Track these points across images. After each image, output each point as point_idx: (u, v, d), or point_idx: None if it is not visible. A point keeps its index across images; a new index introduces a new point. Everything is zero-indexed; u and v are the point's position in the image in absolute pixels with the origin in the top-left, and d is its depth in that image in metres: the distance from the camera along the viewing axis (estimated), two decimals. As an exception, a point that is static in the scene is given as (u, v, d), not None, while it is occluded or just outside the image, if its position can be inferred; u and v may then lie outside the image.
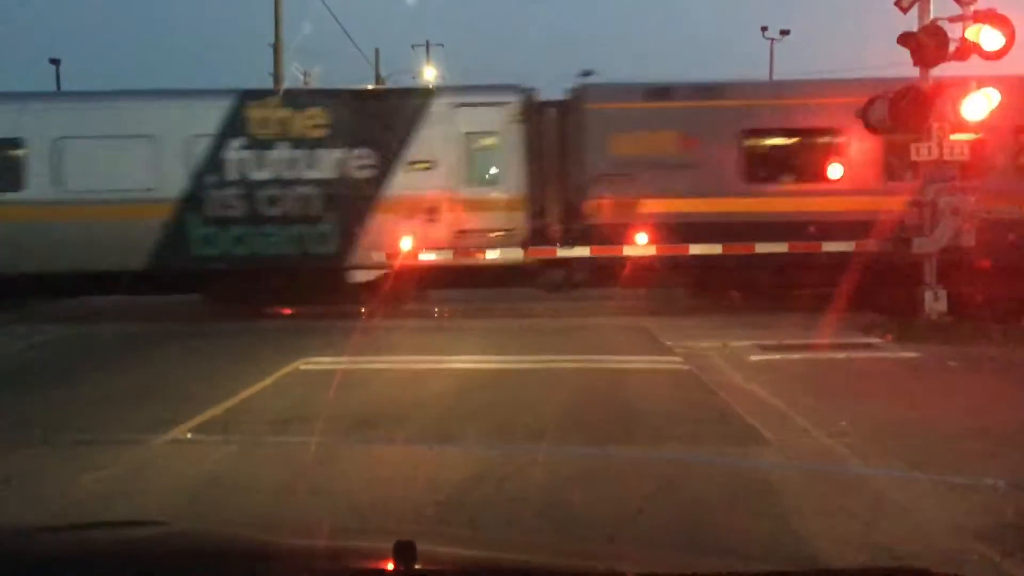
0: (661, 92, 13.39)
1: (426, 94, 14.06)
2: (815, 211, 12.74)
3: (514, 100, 13.63)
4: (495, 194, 13.57)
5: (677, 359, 9.31)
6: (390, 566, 1.87)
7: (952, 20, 10.81)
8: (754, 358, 9.27)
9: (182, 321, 13.63)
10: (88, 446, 6.17)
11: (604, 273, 13.39)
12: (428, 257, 13.04)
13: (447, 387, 7.92)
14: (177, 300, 15.00)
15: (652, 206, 12.94)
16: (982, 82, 10.84)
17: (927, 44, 10.78)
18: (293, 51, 24.97)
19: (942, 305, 11.21)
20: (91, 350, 10.86)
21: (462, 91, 14.11)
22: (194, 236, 13.47)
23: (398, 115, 13.66)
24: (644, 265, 12.94)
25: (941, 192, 11.35)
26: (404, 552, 1.86)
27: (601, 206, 13.15)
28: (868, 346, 10.08)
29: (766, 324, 11.34)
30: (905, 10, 11.12)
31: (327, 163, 13.51)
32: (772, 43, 37.18)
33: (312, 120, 13.55)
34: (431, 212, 13.34)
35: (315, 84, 28.09)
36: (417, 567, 1.85)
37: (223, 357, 9.94)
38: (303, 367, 8.98)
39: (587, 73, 13.83)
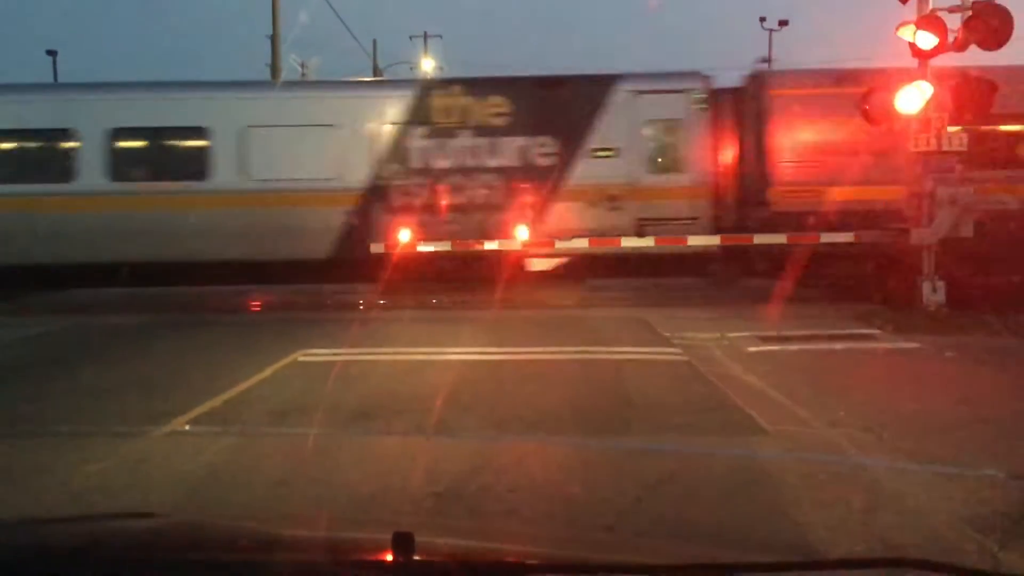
0: (848, 78, 13.08)
1: (609, 81, 13.80)
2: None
3: (696, 87, 13.56)
4: (678, 182, 13.44)
5: (676, 350, 9.30)
6: (388, 557, 1.87)
7: (951, 11, 10.78)
8: (753, 349, 9.27)
9: (181, 312, 13.63)
10: (87, 438, 6.17)
11: (787, 262, 12.87)
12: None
13: (445, 379, 7.90)
14: (177, 292, 14.99)
15: (839, 193, 12.59)
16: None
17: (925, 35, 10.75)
18: (291, 43, 24.93)
19: (940, 296, 11.22)
20: (90, 341, 10.86)
21: (645, 78, 13.93)
22: (376, 224, 13.47)
23: (580, 103, 13.60)
24: (833, 254, 12.53)
25: (939, 182, 11.35)
26: (402, 543, 1.86)
27: (786, 193, 12.96)
28: (867, 337, 10.08)
29: (765, 315, 11.33)
30: (904, 1, 11.09)
31: (509, 151, 13.50)
32: (771, 34, 37.05)
33: (494, 108, 13.54)
34: (613, 200, 13.29)
35: (313, 76, 28.08)
36: (415, 558, 1.85)
37: (222, 348, 9.96)
38: (302, 359, 8.99)
39: (765, 60, 13.66)
